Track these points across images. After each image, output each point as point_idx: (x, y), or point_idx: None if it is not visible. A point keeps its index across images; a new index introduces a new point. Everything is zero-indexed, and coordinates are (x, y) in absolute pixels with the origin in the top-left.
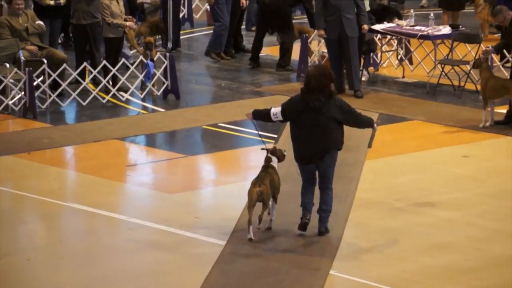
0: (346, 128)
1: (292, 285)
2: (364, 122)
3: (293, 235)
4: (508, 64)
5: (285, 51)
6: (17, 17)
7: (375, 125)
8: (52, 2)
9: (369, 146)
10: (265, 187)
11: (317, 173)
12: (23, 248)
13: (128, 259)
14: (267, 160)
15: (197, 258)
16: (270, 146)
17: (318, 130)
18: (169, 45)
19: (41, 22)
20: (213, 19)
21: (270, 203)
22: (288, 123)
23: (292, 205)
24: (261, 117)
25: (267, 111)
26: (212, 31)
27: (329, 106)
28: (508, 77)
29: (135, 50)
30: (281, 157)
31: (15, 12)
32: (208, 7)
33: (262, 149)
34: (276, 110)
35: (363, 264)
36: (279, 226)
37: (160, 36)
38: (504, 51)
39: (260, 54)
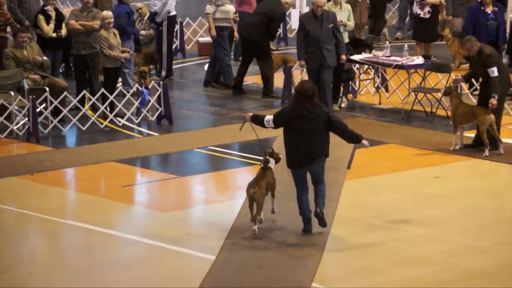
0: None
1: None
2: (352, 136)
3: (277, 249)
4: (476, 92)
5: (266, 80)
6: (22, 49)
7: (364, 141)
8: (54, 35)
9: (348, 167)
10: (258, 190)
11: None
12: (26, 262)
13: (124, 273)
14: (265, 162)
15: (189, 271)
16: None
17: (307, 137)
18: (163, 74)
19: (46, 58)
20: (215, 51)
21: (271, 198)
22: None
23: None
24: (257, 121)
25: (262, 118)
26: (209, 62)
27: (316, 115)
28: (476, 104)
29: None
30: (277, 159)
31: (19, 44)
32: (211, 39)
33: (260, 149)
34: (269, 118)
35: (343, 277)
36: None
37: (153, 66)
38: (472, 80)
39: (246, 82)
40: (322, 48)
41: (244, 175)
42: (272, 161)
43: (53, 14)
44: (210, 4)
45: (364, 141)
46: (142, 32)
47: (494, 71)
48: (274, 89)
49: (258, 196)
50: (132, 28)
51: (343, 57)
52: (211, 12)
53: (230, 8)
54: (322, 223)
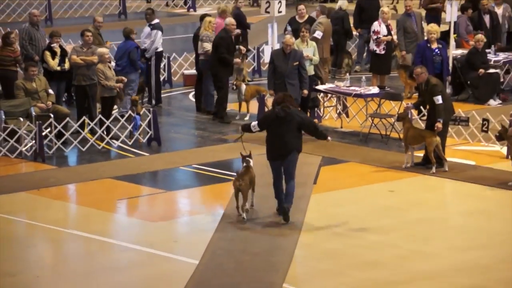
0: (297, 169)
1: None
2: (321, 135)
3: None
4: (424, 118)
5: (219, 105)
6: (31, 81)
7: (329, 138)
8: (58, 68)
9: (314, 182)
10: (243, 183)
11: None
12: (33, 267)
13: (120, 276)
14: (246, 162)
15: (176, 274)
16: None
17: (283, 134)
18: (153, 101)
19: (51, 92)
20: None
21: (250, 192)
22: None
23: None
24: (246, 129)
25: (249, 124)
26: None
27: (292, 117)
28: (424, 128)
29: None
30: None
31: (29, 77)
32: (186, 71)
33: (242, 154)
34: (254, 123)
35: (310, 278)
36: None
37: (143, 94)
38: (421, 107)
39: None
40: (287, 82)
41: (223, 190)
42: (251, 161)
43: (58, 50)
44: (207, 42)
45: (329, 138)
46: None
47: (439, 99)
48: (249, 114)
49: (243, 187)
50: (140, 64)
51: (305, 91)
52: (209, 49)
53: None
54: (286, 218)
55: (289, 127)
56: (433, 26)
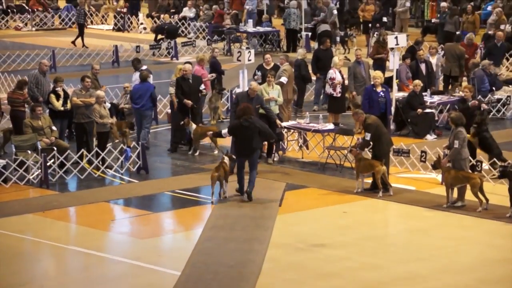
0: (265, 193)
1: None
2: (275, 137)
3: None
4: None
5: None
6: (38, 119)
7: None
8: (62, 108)
9: (280, 205)
10: (221, 173)
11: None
12: (38, 278)
13: (113, 285)
14: (222, 159)
15: (160, 284)
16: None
17: (247, 139)
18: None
19: (54, 128)
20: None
21: (224, 183)
22: None
23: None
24: (218, 135)
25: (221, 132)
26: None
27: (253, 124)
28: (371, 158)
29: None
30: (232, 159)
31: (36, 116)
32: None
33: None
34: (225, 131)
35: (276, 287)
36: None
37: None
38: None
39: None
40: None
41: (202, 211)
42: (226, 158)
43: (61, 93)
44: (172, 86)
45: (279, 124)
46: (127, 106)
47: (367, 136)
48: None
49: (220, 176)
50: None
51: (278, 121)
52: (173, 92)
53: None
54: (249, 198)
55: (252, 133)
56: (377, 73)
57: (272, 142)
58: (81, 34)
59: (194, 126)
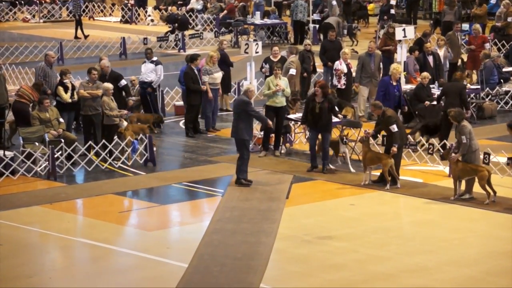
0: (272, 186)
1: None
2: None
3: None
4: (379, 142)
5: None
6: (45, 112)
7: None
8: (70, 100)
9: (287, 197)
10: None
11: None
12: (47, 270)
13: (120, 277)
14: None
15: (168, 276)
16: None
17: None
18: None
19: (62, 120)
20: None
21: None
22: None
23: None
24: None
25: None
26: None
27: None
28: (379, 151)
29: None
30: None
31: (44, 109)
32: (176, 103)
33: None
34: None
35: (283, 279)
36: None
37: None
38: (378, 134)
39: (210, 135)
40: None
41: (210, 204)
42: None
43: (69, 85)
44: (205, 75)
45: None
46: (133, 98)
47: (394, 128)
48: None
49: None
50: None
51: (270, 123)
52: (207, 80)
53: (218, 75)
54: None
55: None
56: (398, 66)
57: (280, 134)
58: (79, 25)
59: (125, 123)
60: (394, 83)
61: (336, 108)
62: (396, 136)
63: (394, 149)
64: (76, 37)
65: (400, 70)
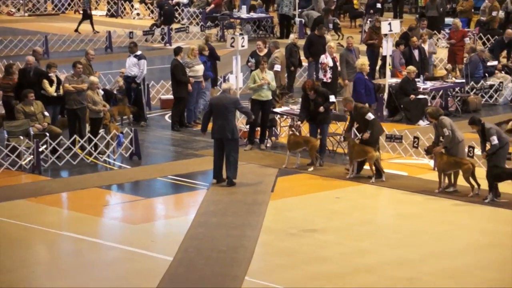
0: (257, 179)
1: None
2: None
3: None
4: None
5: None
6: (30, 105)
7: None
8: (55, 94)
9: (272, 190)
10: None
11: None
12: (30, 263)
13: (106, 270)
14: None
15: (153, 269)
16: None
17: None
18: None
19: (47, 114)
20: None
21: None
22: None
23: None
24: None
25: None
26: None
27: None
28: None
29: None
30: None
31: (28, 102)
32: (162, 97)
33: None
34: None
35: (268, 272)
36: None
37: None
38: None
39: (196, 128)
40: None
41: (195, 197)
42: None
43: (55, 79)
44: (188, 68)
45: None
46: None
47: (370, 116)
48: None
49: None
50: (210, 74)
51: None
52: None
53: (199, 67)
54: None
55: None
56: (365, 60)
57: (265, 128)
58: (87, 19)
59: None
60: (367, 77)
61: (332, 99)
62: (372, 123)
63: (366, 134)
64: (76, 30)
65: (367, 63)
